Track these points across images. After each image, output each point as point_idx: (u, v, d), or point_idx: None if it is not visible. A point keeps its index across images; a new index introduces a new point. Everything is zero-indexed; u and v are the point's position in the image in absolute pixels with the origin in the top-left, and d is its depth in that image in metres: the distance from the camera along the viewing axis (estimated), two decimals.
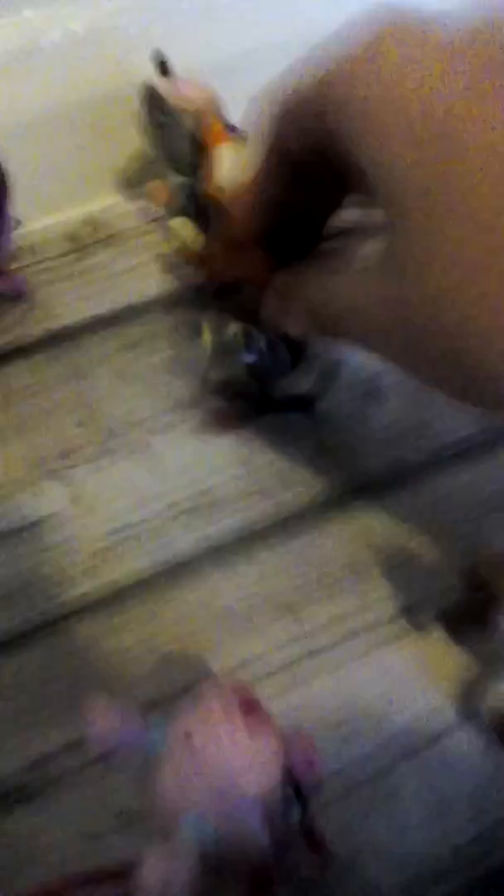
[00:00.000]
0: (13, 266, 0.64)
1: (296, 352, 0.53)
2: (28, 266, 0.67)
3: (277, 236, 0.48)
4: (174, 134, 0.63)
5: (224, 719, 0.36)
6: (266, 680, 0.47)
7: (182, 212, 0.62)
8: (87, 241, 0.69)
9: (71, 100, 0.70)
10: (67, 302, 0.64)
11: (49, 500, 0.55)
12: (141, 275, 0.65)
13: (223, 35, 0.72)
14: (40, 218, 0.67)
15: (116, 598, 0.51)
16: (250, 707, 0.37)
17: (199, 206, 0.61)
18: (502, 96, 0.34)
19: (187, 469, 0.55)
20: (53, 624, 0.50)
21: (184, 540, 0.52)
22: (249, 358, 0.52)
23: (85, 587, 0.51)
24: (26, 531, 0.54)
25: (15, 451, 0.57)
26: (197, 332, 0.55)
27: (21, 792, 0.45)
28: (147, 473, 0.56)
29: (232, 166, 0.59)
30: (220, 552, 0.51)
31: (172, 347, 0.60)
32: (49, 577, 0.52)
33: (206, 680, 0.40)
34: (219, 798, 0.35)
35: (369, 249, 0.41)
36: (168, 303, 0.63)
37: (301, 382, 0.56)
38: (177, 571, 0.51)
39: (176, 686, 0.47)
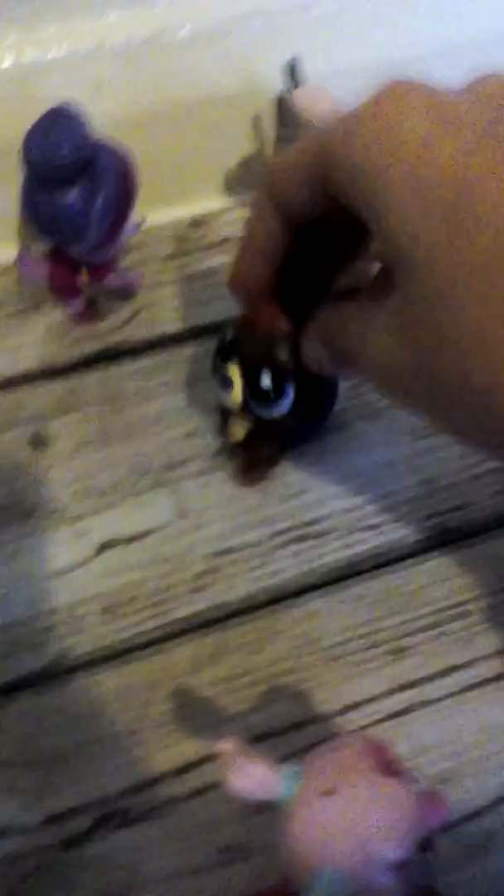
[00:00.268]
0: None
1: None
2: (135, 264, 0.66)
3: (287, 289, 0.48)
4: None
5: (367, 778, 0.36)
6: (374, 727, 0.46)
7: None
8: (194, 244, 0.68)
9: (189, 97, 0.69)
10: (175, 307, 0.63)
11: (156, 511, 0.54)
12: None
13: (352, 43, 0.70)
14: (148, 214, 0.66)
15: (221, 622, 0.50)
16: (389, 766, 0.37)
17: None
18: None
19: (295, 496, 0.55)
20: (158, 642, 0.49)
21: (291, 570, 0.52)
22: (282, 407, 0.49)
23: (191, 607, 0.50)
24: (133, 542, 0.53)
25: (121, 456, 0.57)
26: (223, 384, 0.50)
27: (124, 815, 0.44)
28: (253, 495, 0.55)
29: None
30: (328, 586, 0.51)
31: None
32: (155, 594, 0.51)
33: (348, 735, 0.40)
34: (358, 856, 0.34)
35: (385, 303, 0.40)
36: None
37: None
38: (283, 602, 0.50)
39: (283, 722, 0.46)
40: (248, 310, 0.50)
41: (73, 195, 0.56)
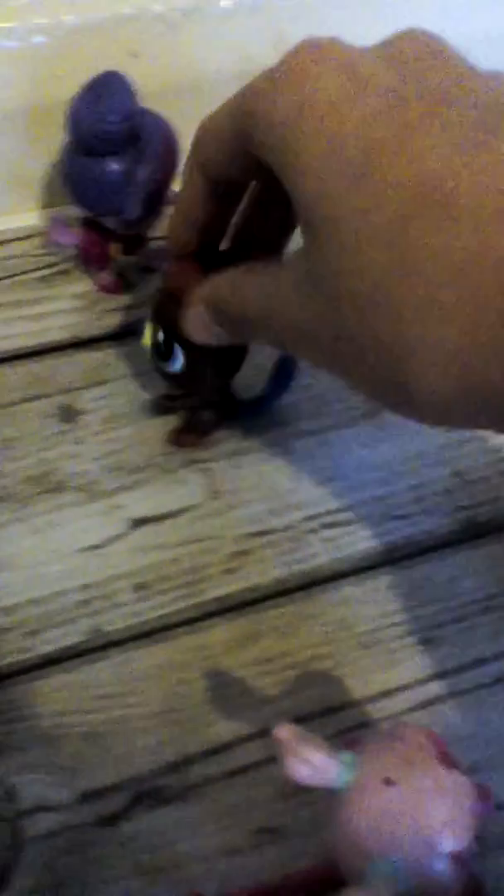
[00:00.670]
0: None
1: (237, 355, 0.52)
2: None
3: (211, 253, 0.49)
4: None
5: (428, 768, 0.36)
6: (405, 715, 0.47)
7: None
8: None
9: (227, 69, 0.68)
10: None
11: (188, 490, 0.54)
12: None
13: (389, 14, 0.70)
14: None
15: (255, 604, 0.50)
16: (445, 757, 0.37)
17: None
18: (402, 122, 0.35)
19: (326, 482, 0.55)
20: (191, 622, 0.49)
21: (324, 555, 0.52)
22: (173, 366, 0.51)
23: (224, 588, 0.50)
24: (166, 520, 0.53)
25: (152, 433, 0.56)
26: (140, 330, 0.53)
27: (160, 794, 0.44)
28: (286, 479, 0.55)
29: None
30: (361, 573, 0.51)
31: None
32: (188, 572, 0.51)
33: (403, 724, 0.40)
34: (417, 848, 0.35)
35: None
36: None
37: (254, 384, 0.55)
38: (316, 586, 0.51)
39: (316, 707, 0.47)
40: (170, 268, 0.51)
41: (117, 164, 0.55)
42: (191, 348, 0.49)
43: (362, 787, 0.36)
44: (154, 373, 0.55)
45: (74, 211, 0.62)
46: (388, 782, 0.36)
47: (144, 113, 0.56)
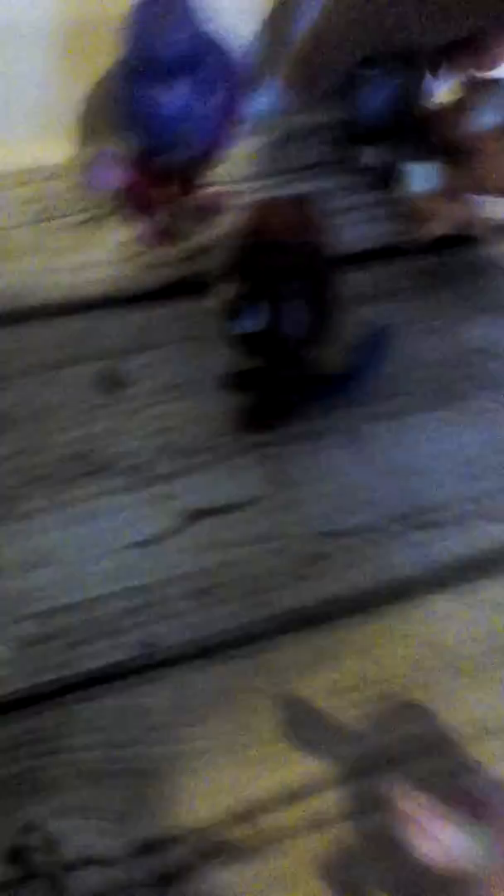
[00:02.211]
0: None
1: (320, 318, 0.45)
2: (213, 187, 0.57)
3: None
4: None
5: None
6: (494, 739, 0.40)
7: None
8: (284, 164, 0.59)
9: None
10: None
11: (252, 479, 0.47)
12: (353, 220, 0.56)
13: None
14: None
15: (330, 616, 0.43)
16: None
17: None
18: None
19: (406, 476, 0.47)
20: (259, 638, 0.42)
21: (407, 561, 0.45)
22: (245, 325, 0.43)
23: (296, 598, 0.43)
24: (226, 514, 0.45)
25: (206, 409, 0.48)
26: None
27: (226, 848, 0.37)
28: (359, 470, 0.47)
29: None
30: (446, 581, 0.44)
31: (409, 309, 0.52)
32: (253, 578, 0.44)
33: None
34: None
35: None
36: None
37: (333, 357, 0.47)
38: (399, 596, 0.44)
39: (407, 745, 0.40)
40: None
41: (180, 92, 0.47)
42: (279, 303, 0.42)
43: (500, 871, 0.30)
44: (211, 339, 0.47)
45: (118, 147, 0.53)
46: None
47: (214, 33, 0.47)
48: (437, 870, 0.30)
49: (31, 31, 0.54)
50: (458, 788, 0.35)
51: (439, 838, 0.30)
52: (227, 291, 0.43)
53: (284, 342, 0.44)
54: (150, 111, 0.48)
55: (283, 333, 0.43)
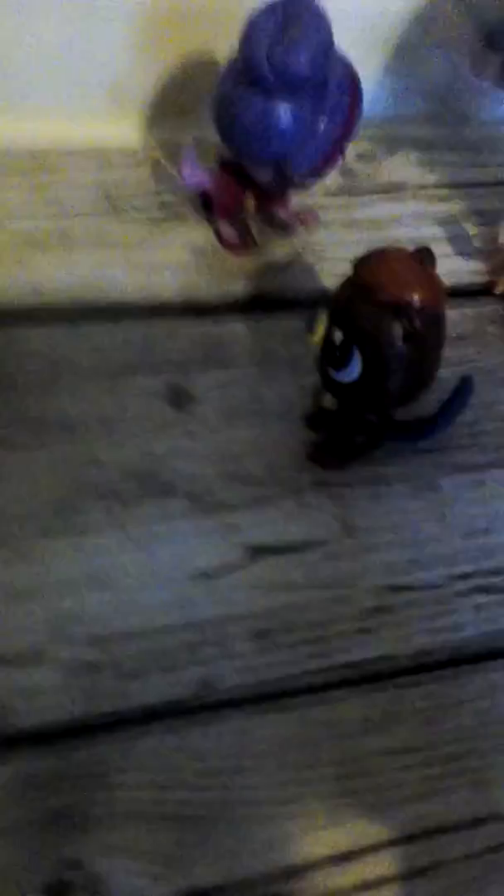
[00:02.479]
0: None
1: (422, 384, 0.44)
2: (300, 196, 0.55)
3: None
4: None
5: None
6: None
7: None
8: (361, 181, 0.58)
9: None
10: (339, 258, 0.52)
11: (319, 520, 0.46)
12: (443, 252, 0.54)
13: None
14: None
15: (393, 677, 0.42)
16: None
17: None
18: None
19: (480, 535, 0.46)
20: (321, 690, 0.41)
21: (474, 625, 0.44)
22: (348, 375, 0.42)
23: (358, 652, 0.42)
24: (291, 554, 0.44)
25: (277, 438, 0.47)
26: (308, 326, 0.43)
27: None
28: (432, 523, 0.47)
29: None
30: None
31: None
32: (316, 626, 0.43)
33: None
34: None
35: None
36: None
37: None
38: (466, 665, 0.43)
39: (462, 816, 0.40)
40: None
41: (295, 108, 0.45)
42: (376, 358, 0.40)
43: None
44: (290, 364, 0.45)
45: (210, 146, 0.51)
46: None
47: (336, 52, 0.46)
48: None
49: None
50: None
51: None
52: (333, 335, 0.41)
53: (379, 398, 0.43)
54: (259, 122, 0.46)
55: (382, 392, 0.42)
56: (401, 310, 0.40)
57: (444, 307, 0.43)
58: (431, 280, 0.41)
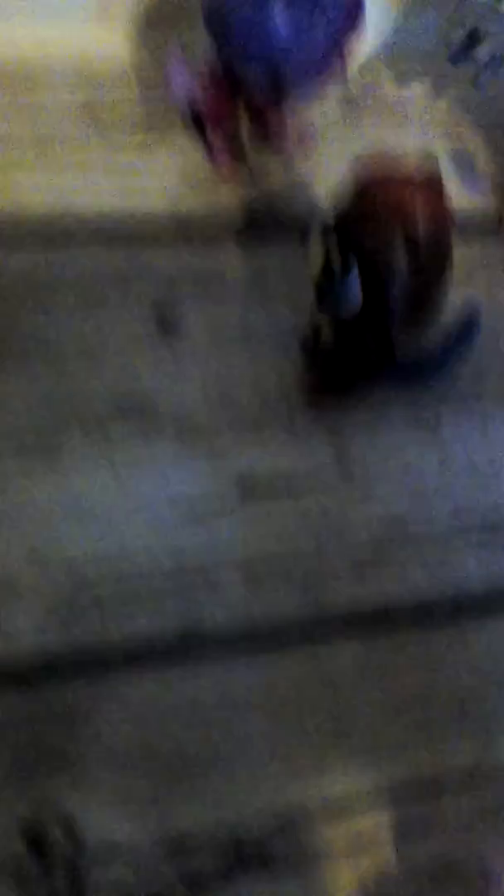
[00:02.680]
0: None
1: (427, 314, 0.42)
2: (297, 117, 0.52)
3: None
4: None
5: None
6: None
7: None
8: (364, 106, 0.54)
9: None
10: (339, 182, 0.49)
11: (316, 459, 0.43)
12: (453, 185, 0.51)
13: None
14: None
15: (389, 623, 0.40)
16: None
17: None
18: None
19: (484, 480, 0.44)
20: (311, 635, 0.39)
21: (476, 571, 0.42)
22: (346, 306, 0.40)
23: (354, 597, 0.40)
24: (284, 492, 0.42)
25: (269, 369, 0.44)
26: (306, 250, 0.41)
27: (264, 857, 0.35)
28: (434, 468, 0.44)
29: None
30: None
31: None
32: (310, 570, 0.40)
33: None
34: None
35: None
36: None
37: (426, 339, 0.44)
38: (466, 614, 0.41)
39: (462, 770, 0.37)
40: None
41: (290, 9, 0.41)
42: (378, 286, 0.38)
43: None
44: (285, 292, 0.42)
45: (192, 53, 0.47)
46: None
47: None
48: None
49: None
50: None
51: None
52: (332, 258, 0.38)
53: (380, 326, 0.40)
54: (252, 22, 0.43)
55: (383, 320, 0.39)
56: (406, 231, 0.37)
57: (451, 234, 0.40)
58: (438, 204, 0.39)
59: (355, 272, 0.38)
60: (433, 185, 0.40)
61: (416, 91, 0.55)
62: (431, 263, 0.40)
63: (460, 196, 0.52)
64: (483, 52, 0.55)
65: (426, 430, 0.44)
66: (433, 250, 0.39)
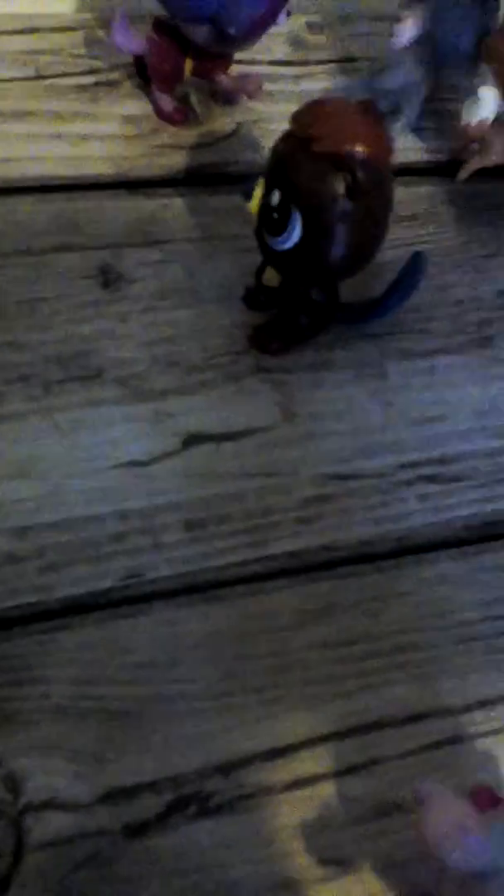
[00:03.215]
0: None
1: (369, 247, 0.41)
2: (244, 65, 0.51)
3: None
4: None
5: None
6: (490, 710, 0.38)
7: None
8: (310, 52, 0.54)
9: None
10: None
11: (259, 407, 0.43)
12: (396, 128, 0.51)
13: None
14: None
15: (333, 567, 0.40)
16: None
17: None
18: None
19: (429, 423, 0.44)
20: (254, 580, 0.39)
21: (419, 515, 0.42)
22: (287, 241, 0.39)
23: (297, 541, 0.40)
24: (228, 441, 0.42)
25: (213, 320, 0.44)
26: (245, 196, 0.40)
27: (204, 802, 0.35)
28: (378, 410, 0.44)
29: None
30: (461, 544, 0.41)
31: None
32: (253, 515, 0.40)
33: None
34: None
35: None
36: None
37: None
38: (409, 555, 0.41)
39: (399, 711, 0.38)
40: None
41: None
42: (317, 217, 0.37)
43: None
44: (229, 241, 0.42)
45: (145, 8, 0.47)
46: None
47: None
48: (457, 870, 0.28)
49: None
50: (478, 785, 0.33)
51: (463, 843, 0.28)
52: (270, 197, 0.38)
53: (322, 266, 0.39)
54: None
55: (325, 258, 0.39)
56: (342, 162, 0.36)
57: (391, 163, 0.39)
58: (376, 132, 0.38)
59: (296, 214, 0.38)
60: (370, 116, 0.39)
61: (364, 34, 0.54)
62: (372, 193, 0.39)
63: (407, 138, 0.51)
64: None
65: (371, 375, 0.44)
66: (373, 178, 0.39)
